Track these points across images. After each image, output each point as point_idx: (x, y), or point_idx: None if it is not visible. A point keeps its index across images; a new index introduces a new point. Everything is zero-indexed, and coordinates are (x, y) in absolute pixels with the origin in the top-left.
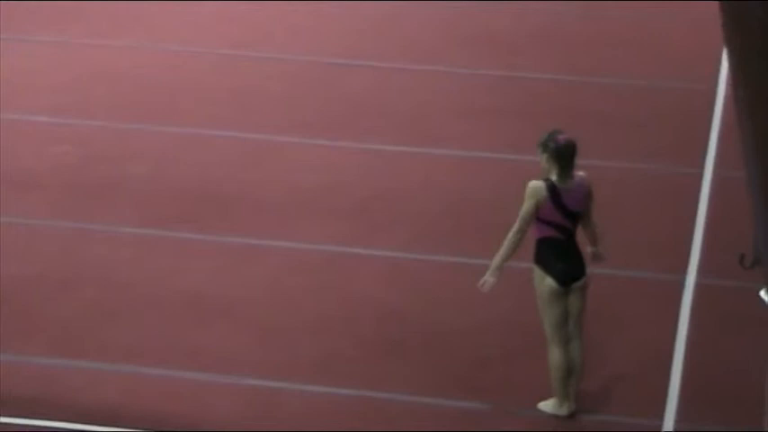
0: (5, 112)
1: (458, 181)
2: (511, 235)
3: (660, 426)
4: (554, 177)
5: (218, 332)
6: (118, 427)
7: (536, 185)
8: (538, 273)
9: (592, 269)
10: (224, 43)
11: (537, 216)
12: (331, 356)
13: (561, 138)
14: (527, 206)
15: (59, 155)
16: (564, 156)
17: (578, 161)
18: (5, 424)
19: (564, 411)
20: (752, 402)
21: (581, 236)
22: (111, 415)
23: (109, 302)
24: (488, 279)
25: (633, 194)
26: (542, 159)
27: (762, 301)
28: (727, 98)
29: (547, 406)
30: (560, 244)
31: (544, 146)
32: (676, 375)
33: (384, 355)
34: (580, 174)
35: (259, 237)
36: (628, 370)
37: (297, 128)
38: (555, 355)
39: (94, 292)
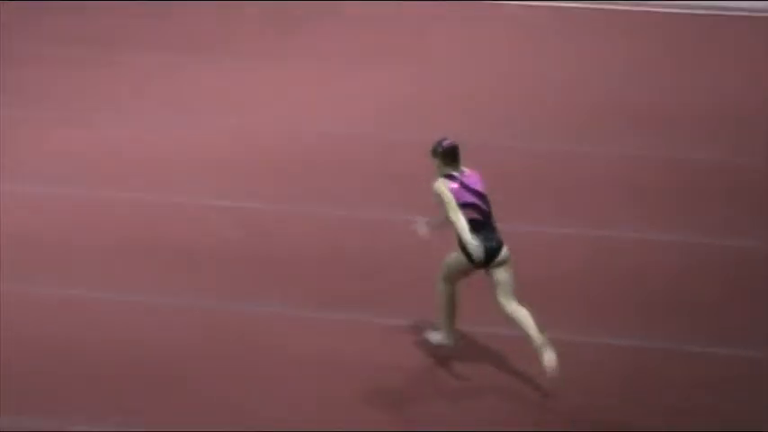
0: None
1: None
2: (453, 216)
3: None
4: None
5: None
6: None
7: (439, 182)
8: (457, 254)
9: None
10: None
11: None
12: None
13: (446, 142)
14: (444, 194)
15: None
16: (450, 155)
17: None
18: None
19: (450, 342)
20: None
21: None
22: None
23: None
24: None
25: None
26: (435, 164)
27: None
28: None
29: (434, 337)
30: (481, 225)
31: (434, 152)
32: None
33: None
34: (468, 170)
35: None
36: None
37: None
38: (441, 289)
39: None
